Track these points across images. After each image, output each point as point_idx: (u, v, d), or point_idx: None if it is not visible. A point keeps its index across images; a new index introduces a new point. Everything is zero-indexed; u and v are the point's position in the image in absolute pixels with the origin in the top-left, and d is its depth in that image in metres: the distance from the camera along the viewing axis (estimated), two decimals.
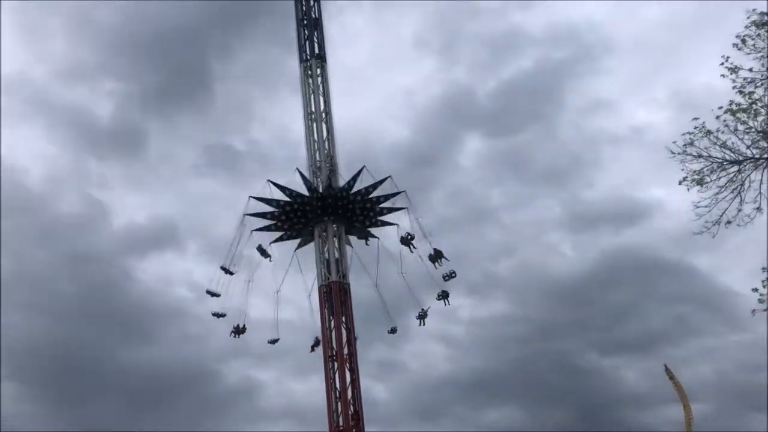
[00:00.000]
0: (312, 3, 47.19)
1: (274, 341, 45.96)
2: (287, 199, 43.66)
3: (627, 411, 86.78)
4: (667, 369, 76.94)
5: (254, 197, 43.77)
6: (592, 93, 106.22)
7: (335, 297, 42.89)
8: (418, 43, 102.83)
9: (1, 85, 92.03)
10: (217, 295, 44.13)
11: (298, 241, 45.15)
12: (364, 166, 43.68)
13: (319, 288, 43.39)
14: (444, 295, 44.18)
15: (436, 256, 43.32)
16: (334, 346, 41.96)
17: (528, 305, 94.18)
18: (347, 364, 42.01)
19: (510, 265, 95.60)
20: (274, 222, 44.35)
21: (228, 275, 43.76)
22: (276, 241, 45.08)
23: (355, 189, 43.67)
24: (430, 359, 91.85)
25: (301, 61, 46.43)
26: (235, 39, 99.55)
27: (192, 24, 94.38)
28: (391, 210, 44.60)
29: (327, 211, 43.54)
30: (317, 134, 45.04)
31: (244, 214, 43.87)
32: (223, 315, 44.83)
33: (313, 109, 45.55)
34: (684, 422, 76.22)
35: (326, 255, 43.44)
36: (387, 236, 44.99)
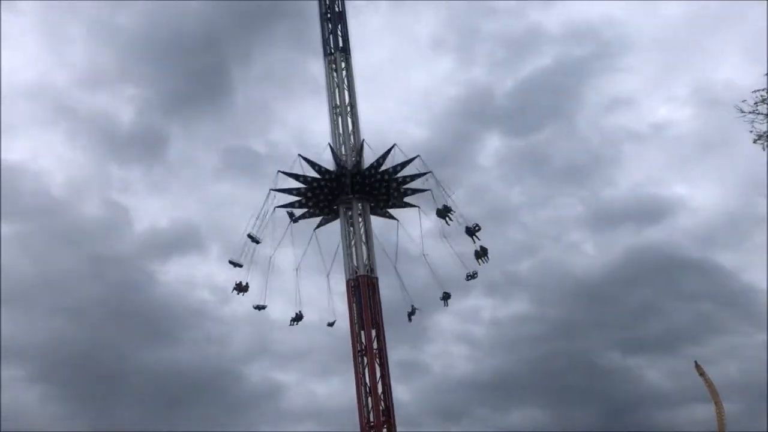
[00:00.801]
0: None
1: (297, 319, 45.47)
2: (316, 175, 43.59)
3: (652, 410, 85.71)
4: (697, 365, 75.76)
5: (282, 172, 43.88)
6: (612, 90, 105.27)
7: (363, 291, 42.49)
8: (436, 43, 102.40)
9: (23, 91, 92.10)
10: (240, 266, 43.89)
11: (319, 219, 45.03)
12: (395, 144, 43.63)
13: (347, 282, 42.99)
14: (473, 276, 43.82)
15: (474, 230, 43.28)
16: (363, 341, 41.50)
17: (550, 304, 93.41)
18: (377, 359, 41.57)
19: (531, 265, 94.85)
20: (299, 199, 44.28)
21: (255, 243, 43.52)
22: (298, 219, 44.64)
23: (383, 168, 43.57)
24: (452, 360, 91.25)
25: (326, 54, 46.13)
26: (254, 42, 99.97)
27: (211, 28, 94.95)
28: (415, 191, 44.49)
29: (354, 188, 43.41)
30: (342, 127, 44.76)
31: (271, 189, 43.91)
32: (263, 307, 44.60)
33: (338, 103, 45.24)
34: (716, 420, 74.95)
35: (351, 236, 43.28)
36: (408, 220, 44.91)
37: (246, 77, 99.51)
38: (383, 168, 43.67)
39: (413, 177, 44.10)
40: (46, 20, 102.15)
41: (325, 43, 46.37)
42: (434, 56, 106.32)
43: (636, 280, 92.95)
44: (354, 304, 42.51)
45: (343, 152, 44.17)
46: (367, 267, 43.06)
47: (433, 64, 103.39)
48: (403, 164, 43.82)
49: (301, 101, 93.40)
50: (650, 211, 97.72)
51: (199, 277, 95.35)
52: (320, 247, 44.73)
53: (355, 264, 43.01)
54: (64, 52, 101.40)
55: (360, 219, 43.84)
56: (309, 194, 44.14)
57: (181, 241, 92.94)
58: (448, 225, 43.51)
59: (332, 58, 45.84)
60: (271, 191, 43.93)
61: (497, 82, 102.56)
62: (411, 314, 44.63)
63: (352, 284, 42.70)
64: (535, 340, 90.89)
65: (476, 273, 43.77)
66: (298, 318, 45.33)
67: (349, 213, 43.88)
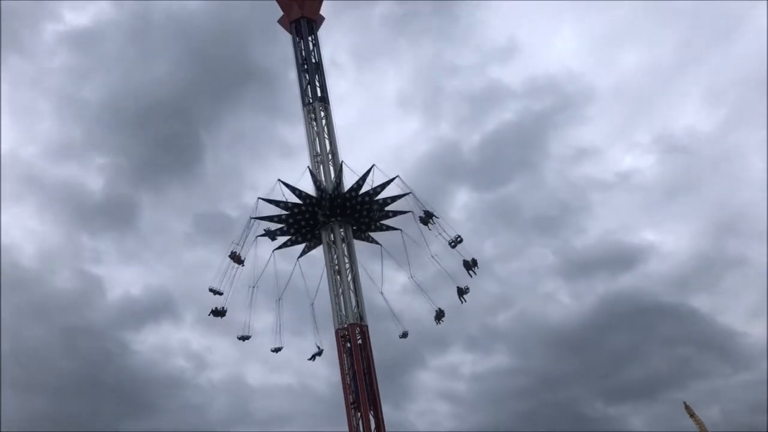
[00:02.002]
0: (312, 48, 47.34)
1: (277, 350, 45.19)
2: (297, 201, 43.43)
3: None
4: (687, 407, 75.14)
5: (263, 198, 43.58)
6: (576, 141, 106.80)
7: (353, 340, 41.52)
8: (402, 101, 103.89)
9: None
10: (220, 293, 43.41)
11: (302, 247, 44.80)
12: (374, 165, 43.56)
13: (336, 331, 41.98)
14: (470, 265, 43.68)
15: (456, 242, 43.67)
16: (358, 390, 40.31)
17: (529, 356, 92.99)
18: (371, 411, 40.32)
19: (508, 317, 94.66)
20: (281, 226, 43.97)
21: (239, 265, 43.19)
22: (279, 248, 44.57)
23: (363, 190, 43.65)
24: (436, 417, 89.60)
25: (304, 105, 46.33)
26: (222, 108, 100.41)
27: (178, 95, 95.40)
28: (396, 213, 44.54)
29: (335, 212, 43.28)
30: (324, 175, 44.48)
31: (251, 217, 43.55)
32: (247, 337, 44.35)
33: (318, 151, 45.10)
34: None
35: (335, 261, 42.93)
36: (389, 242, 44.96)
37: (215, 142, 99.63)
38: (363, 190, 43.56)
39: (394, 198, 44.22)
40: (14, 96, 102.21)
41: (303, 93, 46.61)
42: (402, 114, 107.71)
43: (613, 327, 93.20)
44: (344, 355, 41.50)
45: (322, 176, 44.20)
46: (356, 315, 42.20)
47: (402, 122, 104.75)
48: (383, 185, 43.82)
49: (271, 163, 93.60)
50: (622, 258, 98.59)
51: (174, 344, 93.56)
52: (303, 275, 44.52)
53: (344, 312, 42.16)
54: (32, 126, 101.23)
55: (343, 244, 43.43)
56: (291, 220, 43.79)
57: (155, 308, 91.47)
58: (430, 230, 43.57)
59: (311, 107, 45.96)
60: (252, 219, 43.58)
61: (464, 137, 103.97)
62: (464, 293, 44.05)
63: (342, 334, 41.74)
64: (517, 393, 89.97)
65: (468, 288, 43.84)
66: (318, 353, 44.97)
67: (332, 237, 43.49)
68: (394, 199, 44.13)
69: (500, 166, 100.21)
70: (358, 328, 41.63)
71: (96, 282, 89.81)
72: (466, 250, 43.56)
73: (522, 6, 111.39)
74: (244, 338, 44.40)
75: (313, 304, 43.61)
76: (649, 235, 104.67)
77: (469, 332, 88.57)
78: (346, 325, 41.64)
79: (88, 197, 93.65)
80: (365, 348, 41.43)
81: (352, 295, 42.61)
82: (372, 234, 44.97)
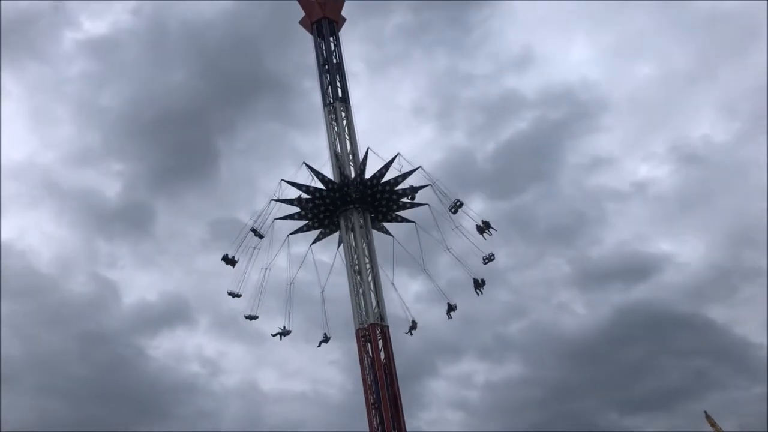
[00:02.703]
0: (333, 48, 47.40)
1: (283, 333, 44.94)
2: (319, 186, 43.62)
3: None
4: (707, 416, 74.15)
5: (286, 180, 43.80)
6: (592, 151, 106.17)
7: (374, 341, 41.22)
8: (417, 111, 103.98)
9: (10, 171, 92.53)
10: (238, 296, 43.93)
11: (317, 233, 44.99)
12: (398, 153, 43.67)
13: (357, 331, 41.67)
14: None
15: (485, 227, 43.89)
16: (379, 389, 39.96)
17: (543, 367, 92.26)
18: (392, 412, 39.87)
19: (522, 327, 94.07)
20: (299, 211, 44.26)
21: (258, 238, 43.67)
22: (295, 232, 44.84)
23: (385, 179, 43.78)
24: (448, 426, 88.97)
25: (325, 105, 46.30)
26: (237, 116, 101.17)
27: (195, 104, 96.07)
28: (413, 205, 44.63)
29: (356, 198, 43.45)
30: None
31: (272, 199, 43.94)
32: (255, 317, 44.40)
33: (339, 151, 45.00)
34: None
35: (355, 259, 42.92)
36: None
37: (230, 150, 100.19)
38: (385, 179, 43.73)
39: (414, 189, 44.37)
40: (33, 102, 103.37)
41: (324, 93, 46.57)
42: (417, 123, 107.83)
43: (628, 338, 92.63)
44: (365, 355, 41.17)
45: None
46: (377, 315, 41.90)
47: (416, 131, 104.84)
48: (404, 175, 43.95)
49: (285, 171, 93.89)
50: (637, 269, 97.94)
51: (188, 350, 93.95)
52: (315, 262, 44.74)
53: (364, 313, 41.88)
54: (51, 132, 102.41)
55: (361, 230, 43.50)
56: (310, 205, 43.99)
57: (170, 314, 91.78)
58: (454, 214, 43.72)
59: (332, 107, 45.93)
60: (272, 201, 43.99)
61: (478, 146, 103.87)
62: (481, 285, 44.29)
63: (363, 334, 41.43)
64: (530, 404, 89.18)
65: (484, 281, 44.05)
66: (284, 333, 44.82)
67: (350, 223, 43.57)
68: (414, 189, 44.21)
69: (515, 175, 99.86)
70: (378, 329, 41.32)
71: (112, 287, 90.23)
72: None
73: (537, 16, 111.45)
74: (251, 318, 44.48)
75: (323, 291, 44.03)
76: (664, 246, 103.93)
77: (482, 341, 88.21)
78: (366, 325, 41.36)
79: (106, 203, 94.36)
80: (386, 348, 41.14)
81: (372, 296, 42.36)
82: (386, 224, 45.12)
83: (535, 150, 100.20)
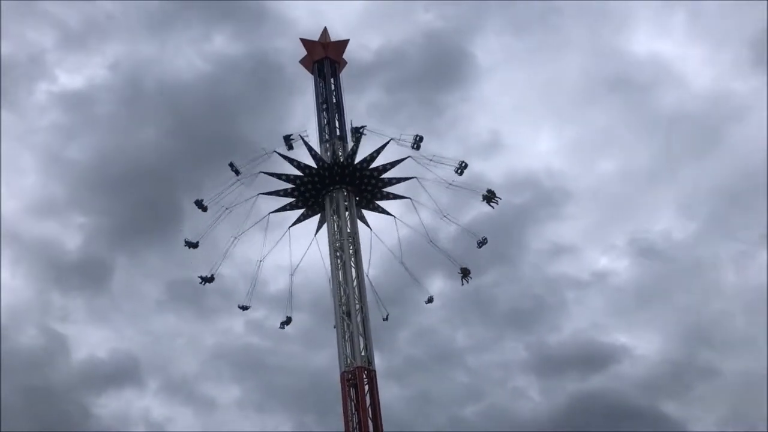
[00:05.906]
0: (332, 88, 47.08)
1: (285, 323, 45.21)
2: (306, 168, 43.47)
3: None
4: None
5: (265, 172, 43.67)
6: (554, 238, 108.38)
7: (360, 386, 38.83)
8: None
9: None
10: (195, 246, 44.29)
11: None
12: (391, 139, 43.80)
13: (342, 375, 39.29)
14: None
15: (491, 196, 44.89)
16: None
17: None
18: None
19: (477, 410, 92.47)
20: (290, 201, 44.30)
21: (235, 173, 43.73)
22: (276, 211, 44.75)
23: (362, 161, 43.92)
24: None
25: (321, 142, 45.51)
26: (205, 179, 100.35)
27: (163, 162, 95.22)
28: (400, 180, 44.84)
29: (344, 179, 43.39)
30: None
31: (259, 194, 43.99)
32: (210, 280, 44.57)
33: None
34: None
35: (336, 228, 42.87)
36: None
37: (195, 209, 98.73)
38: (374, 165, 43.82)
39: (398, 179, 44.72)
40: None
41: (321, 131, 45.90)
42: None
43: (583, 427, 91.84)
44: (348, 399, 38.69)
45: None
46: (365, 358, 39.71)
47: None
48: (393, 164, 44.28)
49: (248, 235, 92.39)
50: (594, 358, 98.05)
51: (135, 412, 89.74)
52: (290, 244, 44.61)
53: (349, 354, 39.71)
54: (15, 181, 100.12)
55: (346, 213, 43.28)
56: (298, 182, 43.69)
57: (119, 373, 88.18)
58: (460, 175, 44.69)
59: (329, 144, 45.09)
60: (260, 195, 43.96)
61: (442, 225, 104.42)
62: (466, 275, 44.95)
63: (348, 377, 39.08)
64: None
65: (485, 238, 44.87)
66: (287, 322, 44.98)
67: (333, 207, 43.18)
68: (399, 180, 44.97)
69: (477, 257, 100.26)
70: (365, 372, 39.10)
71: (62, 341, 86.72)
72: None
73: (505, 106, 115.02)
74: (244, 308, 44.42)
75: (292, 275, 44.40)
76: (622, 337, 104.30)
77: (437, 422, 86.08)
78: (352, 368, 39.11)
79: (64, 255, 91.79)
80: (372, 394, 38.81)
81: (360, 338, 40.30)
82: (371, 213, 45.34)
83: (498, 233, 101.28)
